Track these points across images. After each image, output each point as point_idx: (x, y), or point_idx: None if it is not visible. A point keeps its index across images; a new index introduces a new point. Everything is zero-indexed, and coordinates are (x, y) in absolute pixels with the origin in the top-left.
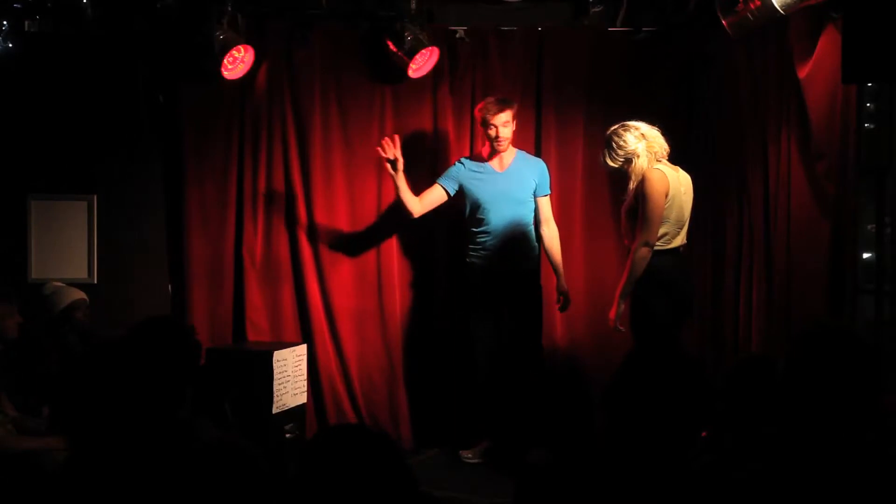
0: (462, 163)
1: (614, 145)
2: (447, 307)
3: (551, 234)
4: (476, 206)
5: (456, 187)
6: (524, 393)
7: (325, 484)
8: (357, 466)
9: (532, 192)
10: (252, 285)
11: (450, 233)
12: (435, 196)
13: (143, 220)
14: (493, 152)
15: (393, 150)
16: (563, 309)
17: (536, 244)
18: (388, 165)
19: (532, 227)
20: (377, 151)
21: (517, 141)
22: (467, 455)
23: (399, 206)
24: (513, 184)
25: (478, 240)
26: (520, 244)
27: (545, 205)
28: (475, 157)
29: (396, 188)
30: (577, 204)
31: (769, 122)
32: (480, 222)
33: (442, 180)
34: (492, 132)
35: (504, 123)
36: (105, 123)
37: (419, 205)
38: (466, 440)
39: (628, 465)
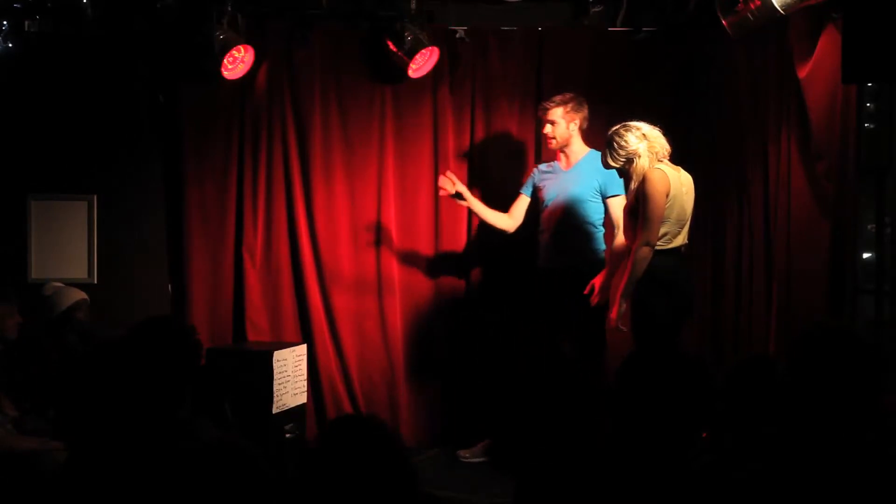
0: (537, 168)
1: (616, 145)
2: (448, 306)
3: (618, 238)
4: (541, 205)
5: (532, 191)
6: (528, 392)
7: (332, 476)
8: (364, 462)
9: (596, 191)
10: (252, 285)
11: (451, 232)
12: (521, 206)
13: (143, 220)
14: (560, 151)
15: (453, 185)
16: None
17: (601, 245)
18: (456, 199)
19: (595, 228)
20: (442, 190)
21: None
22: (465, 455)
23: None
24: (573, 182)
25: (539, 238)
26: (576, 242)
27: (613, 206)
28: (550, 158)
29: (476, 214)
30: None
31: (769, 122)
32: (542, 220)
33: (523, 189)
34: (544, 129)
35: (551, 121)
36: (105, 123)
37: (509, 220)
38: (465, 440)
39: (628, 464)
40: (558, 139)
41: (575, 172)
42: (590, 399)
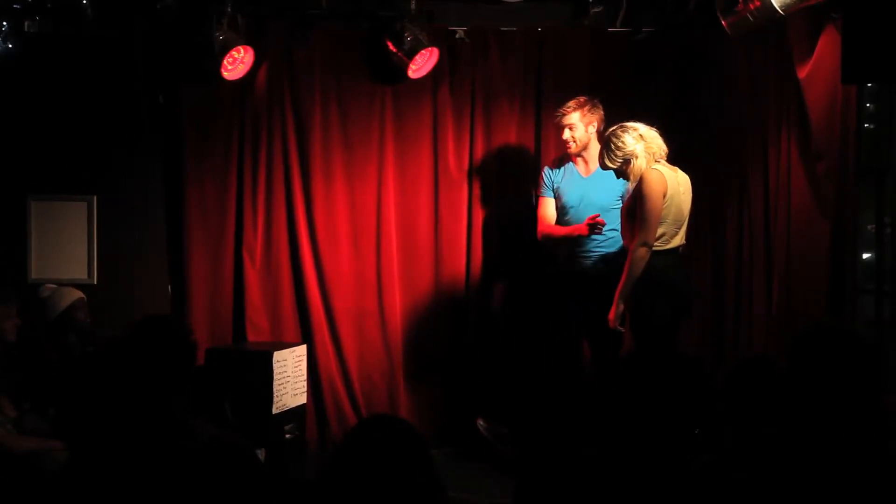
0: (547, 171)
1: (612, 146)
2: (449, 307)
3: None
4: (562, 211)
5: (553, 193)
6: (530, 391)
7: (362, 476)
8: (395, 463)
9: (619, 197)
10: (252, 285)
11: (451, 232)
12: (553, 208)
13: (143, 220)
14: (577, 155)
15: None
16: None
17: (624, 248)
18: (588, 229)
19: (617, 232)
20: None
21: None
22: (482, 423)
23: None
24: (596, 189)
25: (560, 245)
26: (602, 248)
27: None
28: (560, 159)
29: (566, 234)
30: None
31: (769, 122)
32: (563, 225)
33: (544, 192)
34: (562, 134)
35: (570, 126)
36: (105, 123)
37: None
38: (464, 440)
39: (628, 465)
40: (578, 143)
41: (598, 180)
42: (590, 399)
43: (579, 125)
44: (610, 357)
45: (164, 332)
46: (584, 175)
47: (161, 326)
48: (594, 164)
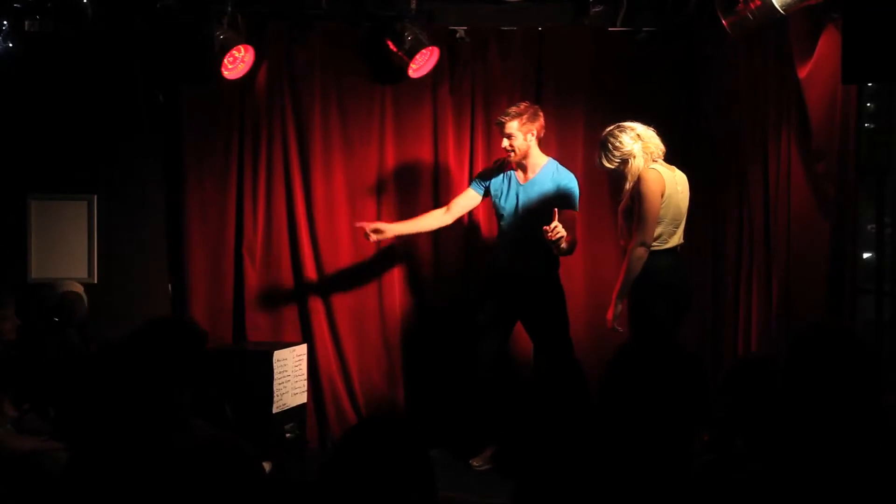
0: (492, 169)
1: (610, 146)
2: (448, 306)
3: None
4: (498, 215)
5: (483, 191)
6: (527, 394)
7: (359, 478)
8: (391, 464)
9: (552, 206)
10: (252, 285)
11: (451, 232)
12: (464, 201)
13: (143, 220)
14: (518, 163)
15: (369, 232)
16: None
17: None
18: (377, 237)
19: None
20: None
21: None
22: (476, 463)
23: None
24: (531, 196)
25: (497, 247)
26: (532, 254)
27: (563, 217)
28: (501, 165)
29: (408, 234)
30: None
31: (769, 122)
32: (500, 231)
33: (473, 185)
34: (501, 142)
35: (508, 135)
36: (105, 123)
37: (444, 215)
38: (473, 447)
39: (628, 465)
40: (517, 152)
41: (535, 187)
42: (581, 398)
43: (518, 134)
44: (557, 357)
45: (179, 335)
46: (521, 182)
47: (177, 329)
48: (532, 172)
